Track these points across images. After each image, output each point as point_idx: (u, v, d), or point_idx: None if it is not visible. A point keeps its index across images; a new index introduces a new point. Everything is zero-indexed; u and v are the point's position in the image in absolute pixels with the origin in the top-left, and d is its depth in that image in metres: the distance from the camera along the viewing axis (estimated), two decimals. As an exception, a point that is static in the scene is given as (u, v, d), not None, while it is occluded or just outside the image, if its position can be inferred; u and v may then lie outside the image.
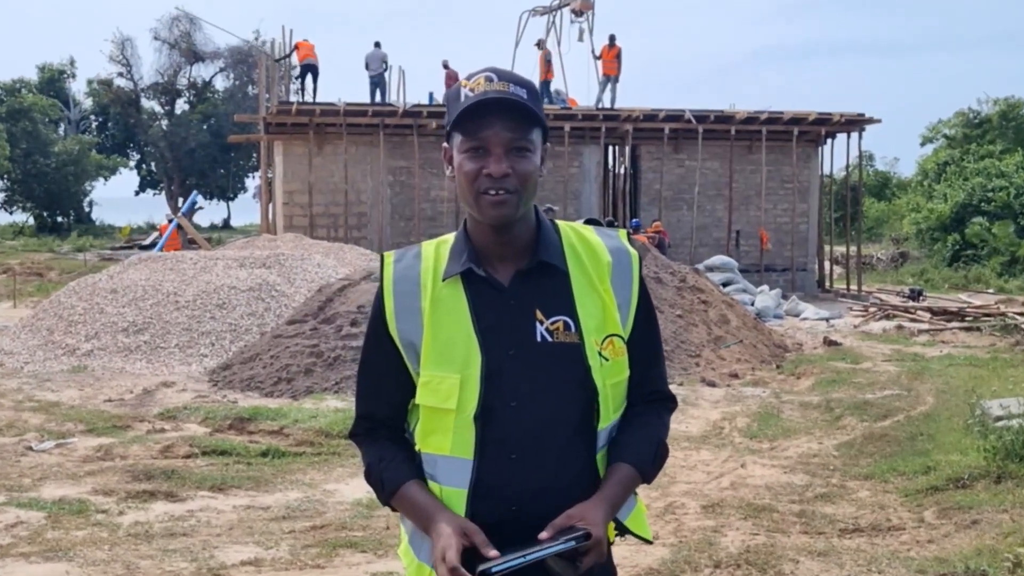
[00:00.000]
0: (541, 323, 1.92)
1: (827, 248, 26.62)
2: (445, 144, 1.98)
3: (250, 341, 12.10)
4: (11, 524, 5.72)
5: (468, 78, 1.94)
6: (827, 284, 25.83)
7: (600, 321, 1.95)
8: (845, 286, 25.26)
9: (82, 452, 7.64)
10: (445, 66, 24.94)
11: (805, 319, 18.59)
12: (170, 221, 26.69)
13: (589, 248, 2.02)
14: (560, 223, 2.08)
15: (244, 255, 15.01)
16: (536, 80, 24.58)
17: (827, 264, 26.52)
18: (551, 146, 23.09)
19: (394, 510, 2.03)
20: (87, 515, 5.92)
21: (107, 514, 5.97)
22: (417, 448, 1.99)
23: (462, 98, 1.90)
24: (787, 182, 24.88)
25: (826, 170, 26.25)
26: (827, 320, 18.36)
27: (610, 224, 20.28)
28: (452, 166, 1.96)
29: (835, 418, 9.38)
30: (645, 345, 2.04)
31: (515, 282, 1.95)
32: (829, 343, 14.69)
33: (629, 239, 2.10)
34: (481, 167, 1.88)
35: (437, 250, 2.03)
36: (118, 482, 6.71)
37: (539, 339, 1.92)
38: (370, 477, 2.04)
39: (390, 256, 2.06)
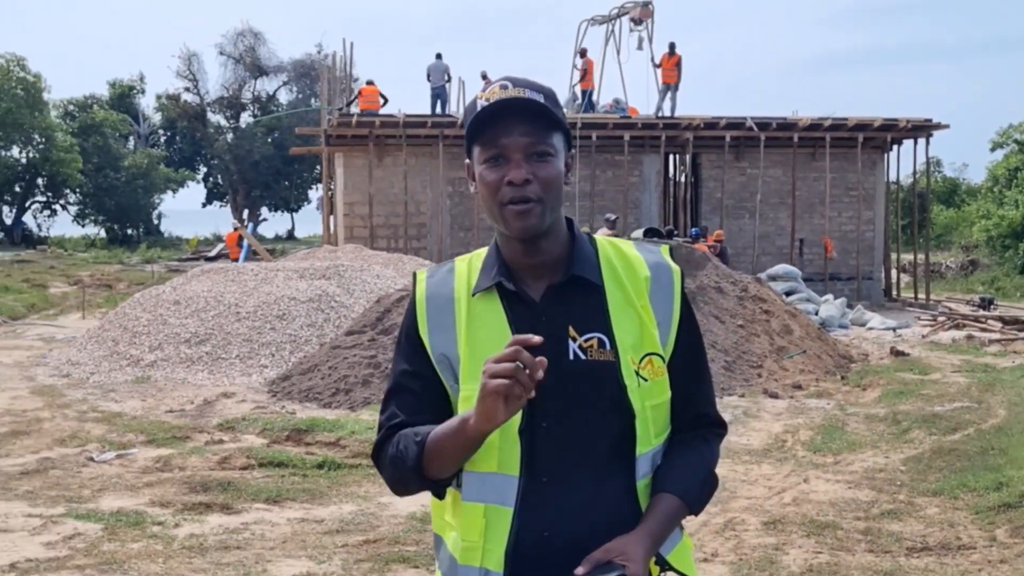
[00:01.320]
0: (574, 340, 1.83)
1: (894, 256, 26.07)
2: (467, 160, 1.90)
3: (309, 352, 12.14)
4: (68, 536, 5.76)
5: (484, 89, 1.87)
6: (894, 293, 25.29)
7: (637, 339, 1.84)
8: (913, 295, 24.69)
9: (142, 463, 7.69)
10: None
11: (871, 329, 18.19)
12: (235, 229, 27.15)
13: (626, 262, 1.92)
14: (597, 236, 1.99)
15: (304, 266, 15.11)
16: (578, 89, 24.52)
17: (894, 272, 25.96)
18: (610, 156, 23.13)
19: (435, 489, 1.88)
20: (143, 527, 5.94)
21: (163, 526, 5.98)
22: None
23: (478, 108, 1.82)
24: (852, 189, 24.42)
25: (892, 177, 25.73)
26: (894, 330, 17.95)
27: (670, 233, 20.06)
28: (475, 182, 1.88)
29: (902, 431, 9.10)
30: (688, 365, 1.93)
31: (547, 297, 1.86)
32: (896, 353, 14.33)
33: (672, 254, 1.99)
34: (502, 176, 1.80)
35: (470, 264, 1.96)
36: (175, 494, 6.74)
37: (572, 357, 1.82)
38: (394, 462, 1.87)
39: (422, 273, 2.00)
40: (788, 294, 18.63)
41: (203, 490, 6.80)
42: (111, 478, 7.23)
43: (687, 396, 1.92)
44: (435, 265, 2.04)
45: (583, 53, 25.00)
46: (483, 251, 1.97)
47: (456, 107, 24.40)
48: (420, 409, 1.91)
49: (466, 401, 1.83)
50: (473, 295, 1.88)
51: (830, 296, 20.19)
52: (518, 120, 1.80)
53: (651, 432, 1.85)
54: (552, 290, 1.86)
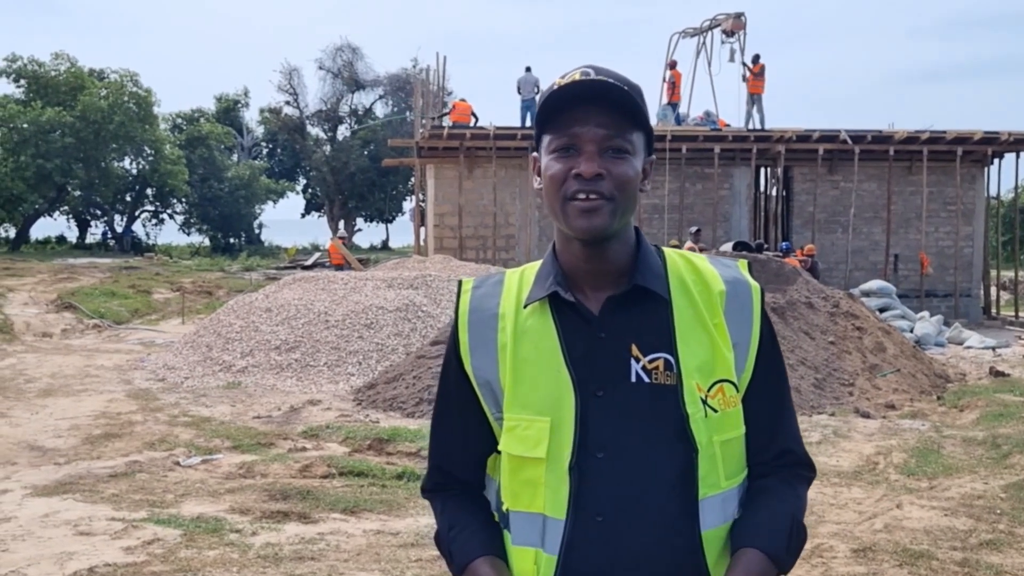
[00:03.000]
0: (637, 360, 1.60)
1: (993, 273, 25.02)
2: (533, 153, 1.68)
3: (395, 361, 12.09)
4: (148, 541, 5.73)
5: (563, 75, 1.63)
6: (993, 311, 24.25)
7: (706, 362, 1.60)
8: (1013, 313, 23.65)
9: (225, 469, 7.69)
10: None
11: (969, 348, 17.44)
12: (342, 239, 27.51)
13: (698, 276, 1.68)
14: (666, 249, 1.75)
15: (393, 276, 15.13)
16: (664, 100, 24.16)
17: (993, 290, 24.91)
18: (700, 169, 22.76)
19: None
20: (221, 534, 5.88)
21: (240, 534, 5.91)
22: (505, 508, 1.67)
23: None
24: (950, 204, 23.52)
25: (992, 191, 24.72)
26: (993, 349, 17.17)
27: (760, 248, 19.58)
28: (539, 177, 1.66)
29: (1002, 456, 8.58)
30: (769, 395, 1.67)
31: (607, 310, 1.63)
32: (996, 374, 13.67)
33: (751, 269, 1.75)
34: (570, 167, 1.58)
35: (522, 276, 1.74)
36: (255, 501, 6.68)
37: (634, 379, 1.59)
38: (440, 545, 1.75)
39: (468, 283, 1.77)
40: (882, 310, 18.03)
41: (282, 498, 6.74)
42: (195, 483, 7.23)
43: (768, 431, 1.68)
44: (484, 275, 1.82)
45: (672, 66, 24.67)
46: (536, 263, 1.75)
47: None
48: (462, 447, 1.74)
49: (511, 432, 1.63)
50: (525, 307, 1.66)
51: (926, 313, 19.49)
52: (596, 108, 1.57)
53: (719, 473, 1.60)
54: (613, 302, 1.63)
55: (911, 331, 17.54)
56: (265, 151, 57.39)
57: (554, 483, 1.59)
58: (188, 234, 49.07)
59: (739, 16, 24.30)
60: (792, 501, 1.67)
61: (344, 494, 6.91)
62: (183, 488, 7.07)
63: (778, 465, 1.69)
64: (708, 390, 1.60)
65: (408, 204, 49.57)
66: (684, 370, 1.59)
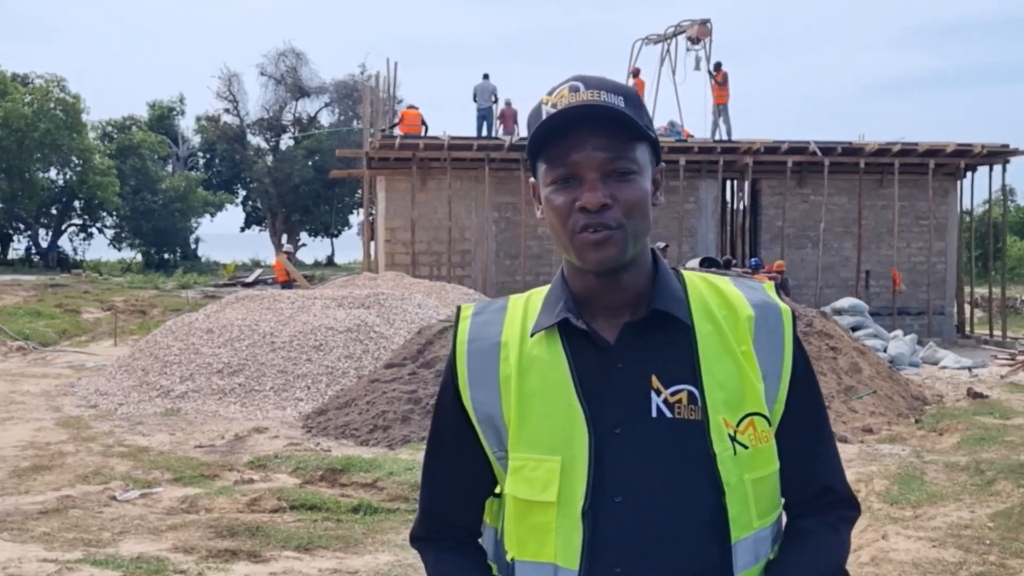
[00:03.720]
0: (658, 393, 1.53)
1: (966, 290, 25.42)
2: (531, 179, 1.62)
3: (347, 385, 11.98)
4: (84, 584, 5.55)
5: (550, 92, 1.56)
6: (967, 329, 24.63)
7: (734, 394, 1.54)
8: (987, 331, 24.04)
9: (167, 503, 7.51)
10: (507, 104, 24.91)
11: (944, 368, 17.68)
12: (287, 255, 27.25)
13: (723, 300, 1.62)
14: (686, 272, 1.68)
15: (343, 294, 14.99)
16: None
17: (967, 308, 25.31)
18: (665, 181, 23.14)
19: None
20: (164, 575, 5.71)
21: (185, 575, 5.75)
22: (510, 557, 1.59)
23: (543, 116, 1.53)
24: (922, 218, 23.90)
25: (966, 205, 25.14)
26: (969, 369, 17.42)
27: (728, 264, 19.71)
28: (541, 205, 1.60)
29: (987, 482, 8.64)
30: (805, 429, 1.62)
31: (624, 338, 1.56)
32: (974, 395, 13.83)
33: (779, 292, 1.70)
34: (573, 199, 1.52)
35: (527, 302, 1.67)
36: (200, 538, 6.52)
37: (655, 414, 1.52)
38: None
39: (468, 309, 1.70)
40: (854, 329, 18.22)
41: (230, 535, 6.58)
42: (133, 519, 7.04)
43: (805, 467, 1.62)
44: (485, 300, 1.76)
45: (635, 74, 24.81)
46: (543, 289, 1.68)
47: (503, 129, 24.28)
48: (459, 490, 1.66)
49: (517, 473, 1.55)
50: (532, 335, 1.59)
51: (899, 332, 19.72)
52: (592, 131, 1.51)
53: (752, 513, 1.53)
54: (630, 329, 1.57)
55: (885, 351, 17.73)
56: (202, 161, 56.82)
57: (566, 530, 1.52)
58: (119, 249, 48.44)
59: (705, 23, 24.53)
60: (835, 550, 1.62)
61: (296, 530, 6.77)
62: (121, 525, 6.87)
63: (819, 505, 1.63)
64: (737, 425, 1.53)
65: (356, 218, 49.36)
66: (710, 403, 1.53)
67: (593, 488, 1.51)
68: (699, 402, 1.53)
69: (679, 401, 1.53)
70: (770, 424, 1.56)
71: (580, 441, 1.52)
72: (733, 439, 1.52)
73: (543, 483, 1.53)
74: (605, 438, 1.52)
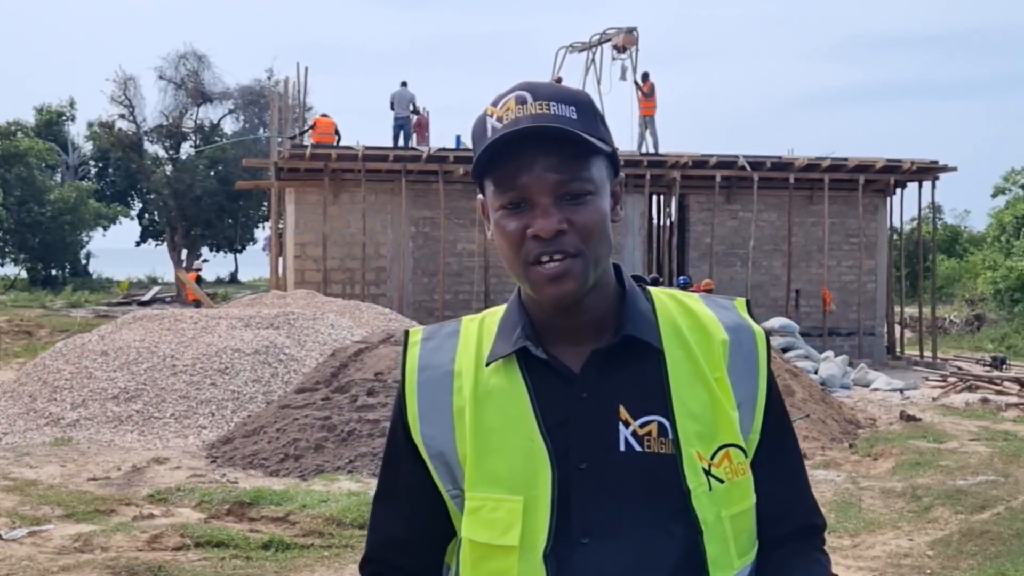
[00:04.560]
0: (627, 425, 1.49)
1: (896, 310, 26.06)
2: (480, 196, 1.56)
3: (254, 411, 11.82)
4: (-33, 633, 5.32)
5: (495, 102, 1.51)
6: (898, 350, 25.24)
7: (708, 425, 1.50)
8: (918, 352, 24.66)
9: (58, 542, 7.28)
10: (415, 111, 24.99)
11: (876, 390, 18.08)
12: (198, 271, 26.85)
13: (695, 322, 1.58)
14: (653, 289, 1.64)
15: (250, 314, 14.82)
16: None
17: (897, 328, 25.94)
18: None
19: None
20: (57, 622, 5.52)
21: (80, 621, 5.56)
22: None
23: (488, 131, 1.48)
24: (852, 236, 24.46)
25: (895, 223, 25.80)
26: (901, 391, 17.84)
27: (655, 283, 19.88)
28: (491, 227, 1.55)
29: (924, 508, 8.84)
30: (780, 460, 1.60)
31: (590, 367, 1.52)
32: (907, 418, 14.17)
33: (750, 308, 1.67)
34: (525, 225, 1.46)
35: (481, 326, 1.62)
36: (96, 580, 6.32)
37: (623, 448, 1.48)
38: None
39: (417, 334, 1.64)
40: (785, 350, 18.53)
41: (129, 576, 6.39)
42: (21, 560, 6.80)
43: (783, 500, 1.59)
44: (435, 324, 1.69)
45: (558, 83, 24.97)
46: (498, 310, 1.63)
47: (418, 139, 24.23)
48: (410, 534, 1.60)
49: (474, 514, 1.49)
50: (487, 365, 1.54)
51: (830, 353, 20.10)
52: (542, 150, 1.45)
53: (732, 552, 1.50)
54: (597, 357, 1.52)
55: (816, 372, 18.06)
56: (94, 171, 55.60)
57: (527, 575, 1.47)
58: (2, 265, 47.16)
59: (631, 31, 24.84)
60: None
61: (202, 569, 6.62)
62: (7, 567, 6.64)
63: (799, 537, 1.61)
64: (711, 458, 1.50)
65: (262, 232, 48.75)
66: (682, 435, 1.49)
67: (557, 529, 1.46)
68: (670, 434, 1.49)
69: (648, 433, 1.49)
70: (746, 455, 1.53)
71: (543, 478, 1.47)
72: (707, 473, 1.49)
73: (504, 525, 1.48)
74: (570, 474, 1.48)
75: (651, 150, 23.82)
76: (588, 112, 1.51)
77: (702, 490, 1.48)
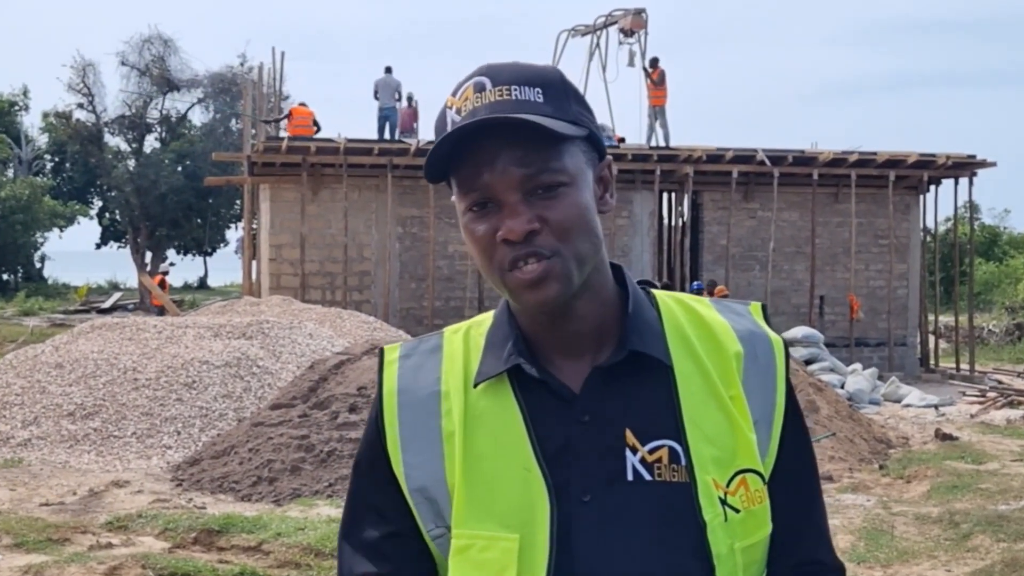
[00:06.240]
0: (634, 451, 1.45)
1: (930, 318, 26.06)
2: (454, 197, 1.51)
3: (224, 429, 11.84)
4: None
5: (455, 91, 1.47)
6: (932, 362, 25.24)
7: (724, 449, 1.47)
8: (953, 365, 24.66)
9: (6, 574, 7.28)
10: (409, 102, 25.05)
11: (908, 406, 18.09)
12: (164, 274, 26.87)
13: (706, 331, 1.55)
14: (659, 294, 1.60)
15: (220, 322, 14.86)
16: None
17: (931, 338, 25.94)
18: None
19: None
20: (3, 663, 5.48)
21: (29, 662, 5.52)
22: None
23: (448, 125, 1.45)
24: (882, 237, 24.45)
25: (929, 223, 25.81)
26: (936, 407, 17.84)
27: (666, 287, 19.86)
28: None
29: (962, 536, 8.83)
30: (795, 485, 1.56)
31: (591, 386, 1.48)
32: (942, 437, 14.18)
33: (766, 315, 1.63)
34: (494, 228, 1.43)
35: (467, 339, 1.58)
36: (48, 616, 6.29)
37: (631, 477, 1.45)
38: None
39: (394, 351, 1.60)
40: (808, 362, 18.55)
41: (84, 611, 6.37)
42: (-35, 594, 6.78)
43: (793, 531, 1.55)
44: (413, 340, 1.64)
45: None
46: (484, 319, 1.60)
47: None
48: (388, 566, 1.54)
49: (463, 554, 1.45)
50: (475, 386, 1.50)
51: (858, 365, 20.12)
52: (504, 143, 1.41)
53: None
54: (598, 375, 1.48)
55: (842, 387, 18.08)
56: (50, 166, 55.69)
57: None
58: (-52, 269, 47.19)
59: (639, 13, 24.85)
60: None
61: (166, 604, 6.60)
62: (-51, 601, 6.61)
63: (804, 574, 1.57)
64: (728, 484, 1.47)
65: (235, 233, 48.72)
66: (697, 461, 1.46)
67: (557, 570, 1.42)
68: (683, 460, 1.46)
69: (659, 460, 1.46)
70: (764, 481, 1.50)
71: (541, 513, 1.44)
72: (723, 502, 1.46)
73: (497, 567, 1.44)
74: (572, 508, 1.44)
75: (661, 143, 23.82)
76: (558, 92, 1.47)
77: (717, 521, 1.45)
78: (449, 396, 1.52)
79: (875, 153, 23.83)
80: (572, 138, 1.45)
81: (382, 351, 1.60)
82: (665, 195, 25.01)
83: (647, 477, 1.45)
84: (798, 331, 20.29)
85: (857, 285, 24.19)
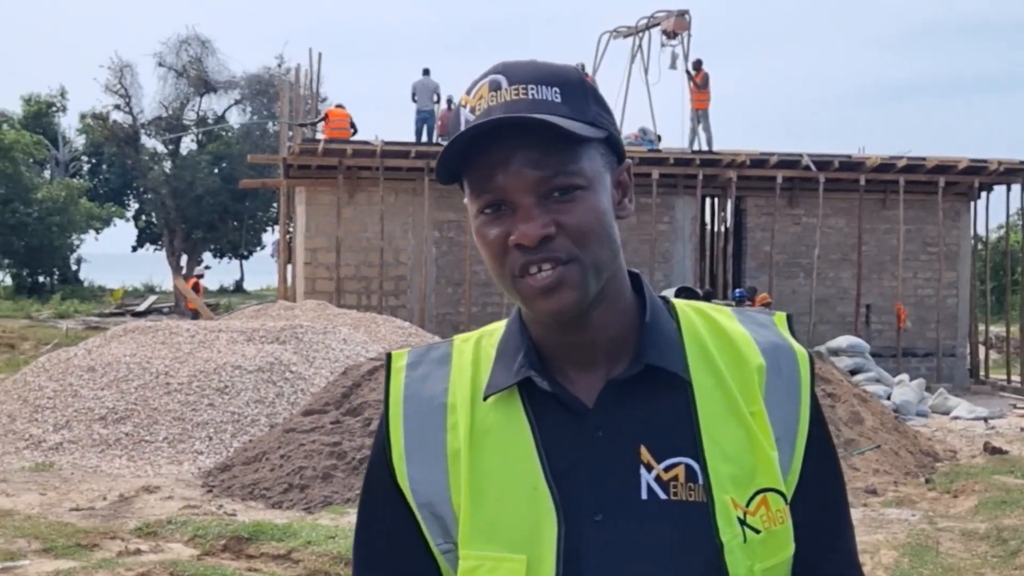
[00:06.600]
0: (649, 469, 1.42)
1: (980, 328, 25.81)
2: (466, 199, 1.48)
3: (256, 435, 11.88)
4: None
5: (469, 89, 1.45)
6: (981, 373, 24.98)
7: (744, 467, 1.44)
8: (1004, 376, 24.39)
9: (34, 579, 7.32)
10: (448, 105, 24.98)
11: (956, 418, 17.92)
12: (199, 277, 27.04)
13: (727, 343, 1.51)
14: (678, 302, 1.57)
15: (253, 327, 14.91)
16: None
17: (981, 348, 25.68)
18: (635, 198, 23.50)
19: None
20: (28, 669, 5.52)
21: (54, 668, 5.56)
22: None
23: (462, 125, 1.42)
24: (931, 245, 24.24)
25: (980, 230, 25.57)
26: (985, 420, 17.66)
27: (708, 296, 19.80)
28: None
29: (1010, 554, 8.73)
30: (820, 506, 1.52)
31: (605, 400, 1.45)
32: (992, 451, 14.04)
33: (791, 326, 1.59)
34: (507, 232, 1.40)
35: (477, 349, 1.55)
36: (74, 623, 6.33)
37: (645, 496, 1.42)
38: None
39: (401, 358, 1.57)
40: (854, 372, 18.40)
41: (111, 618, 6.40)
42: (-8, 599, 6.84)
43: (818, 553, 1.51)
44: (422, 347, 1.62)
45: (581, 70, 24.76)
46: (496, 328, 1.57)
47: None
48: None
49: (469, 573, 1.43)
50: (485, 399, 1.48)
51: (905, 376, 19.92)
52: (519, 144, 1.39)
53: None
54: (613, 389, 1.45)
55: (888, 398, 17.95)
56: (87, 167, 56.24)
57: None
58: (-16, 270, 47.69)
59: (683, 14, 24.75)
60: None
61: (193, 612, 6.62)
62: (-24, 606, 6.67)
63: None
64: (748, 504, 1.43)
65: (271, 236, 48.94)
66: (715, 480, 1.42)
67: None
68: (700, 479, 1.43)
69: (675, 478, 1.42)
70: (786, 501, 1.47)
71: (548, 533, 1.41)
72: (742, 522, 1.42)
73: None
74: (582, 528, 1.41)
75: (704, 147, 23.72)
76: (577, 92, 1.44)
77: (736, 543, 1.41)
78: (456, 409, 1.49)
79: (924, 158, 23.63)
80: (590, 140, 1.42)
81: (389, 357, 1.57)
82: (708, 200, 24.93)
83: (662, 496, 1.42)
84: (843, 340, 20.16)
85: (905, 294, 23.99)
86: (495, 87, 1.42)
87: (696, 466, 1.43)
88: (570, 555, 1.39)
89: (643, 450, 1.43)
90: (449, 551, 1.47)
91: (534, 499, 1.42)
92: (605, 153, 1.46)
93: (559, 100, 1.41)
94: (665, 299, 1.57)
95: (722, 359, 1.50)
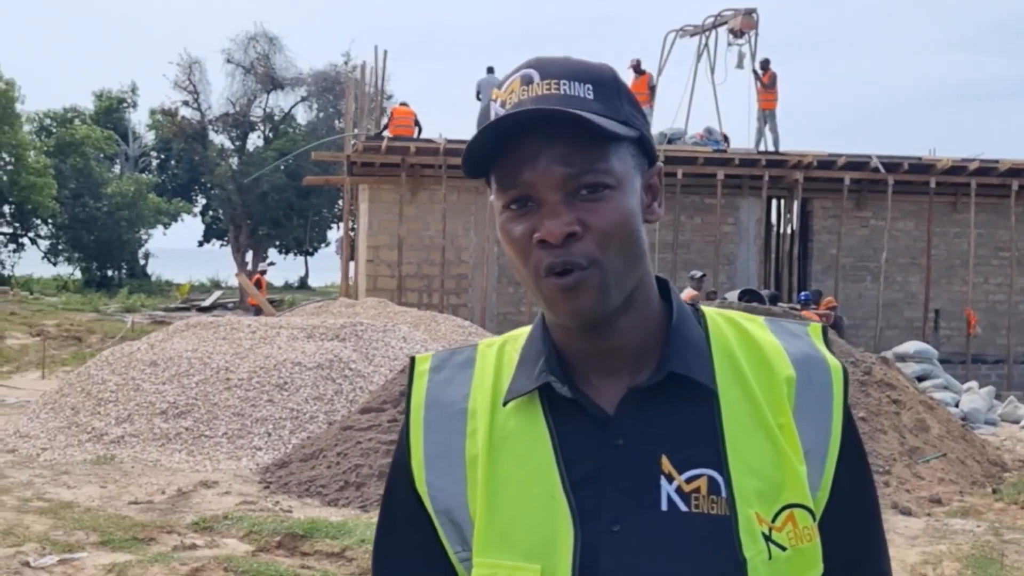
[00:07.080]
0: (670, 479, 1.39)
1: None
2: (492, 195, 1.45)
3: (314, 432, 11.90)
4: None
5: (501, 83, 1.43)
6: (1054, 381, 24.57)
7: (770, 482, 1.40)
8: (1078, 385, 23.95)
9: (90, 572, 7.38)
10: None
11: (1027, 427, 17.60)
12: (262, 273, 27.30)
13: (756, 353, 1.47)
14: (708, 310, 1.53)
15: (314, 324, 14.94)
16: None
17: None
18: (699, 198, 23.00)
19: None
20: (81, 662, 5.57)
21: (106, 662, 5.60)
22: None
23: (492, 118, 1.39)
24: (1002, 249, 23.88)
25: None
26: (1057, 430, 17.33)
27: (774, 299, 19.61)
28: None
29: (1079, 569, 8.54)
30: (851, 525, 1.48)
31: (626, 408, 1.42)
32: (1062, 461, 13.77)
33: (826, 337, 1.54)
34: (532, 230, 1.37)
35: (500, 354, 1.52)
36: (128, 616, 6.38)
37: (665, 507, 1.38)
38: None
39: (424, 362, 1.55)
40: (921, 379, 18.19)
41: (164, 613, 6.45)
42: (49, 591, 6.91)
43: (852, 571, 1.47)
44: (446, 351, 1.59)
45: (635, 67, 24.27)
46: (521, 333, 1.54)
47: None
48: None
49: None
50: (505, 404, 1.45)
51: (974, 383, 19.64)
52: (549, 139, 1.35)
53: None
54: (635, 396, 1.42)
55: (956, 405, 17.70)
56: (156, 163, 57.02)
57: None
58: (55, 264, 48.47)
59: (750, 13, 24.58)
60: None
61: (245, 608, 6.64)
62: (33, 597, 6.75)
63: None
64: (773, 520, 1.39)
65: (334, 233, 49.32)
66: (738, 494, 1.38)
67: None
68: (723, 492, 1.39)
69: (697, 490, 1.39)
70: (814, 518, 1.42)
71: (564, 543, 1.37)
72: (767, 538, 1.38)
73: None
74: (599, 539, 1.37)
75: (771, 148, 23.55)
76: (610, 91, 1.41)
77: (760, 559, 1.37)
78: (476, 415, 1.47)
79: (997, 161, 23.32)
80: (621, 139, 1.39)
81: (412, 360, 1.55)
82: (774, 201, 24.77)
83: (683, 508, 1.38)
84: (910, 346, 19.90)
85: (975, 299, 23.65)
86: (527, 81, 1.39)
87: (720, 478, 1.39)
88: (586, 565, 1.36)
89: (664, 460, 1.40)
90: (467, 559, 1.45)
91: (551, 507, 1.39)
92: (636, 155, 1.43)
93: (591, 97, 1.38)
94: (695, 307, 1.53)
95: (750, 369, 1.46)
